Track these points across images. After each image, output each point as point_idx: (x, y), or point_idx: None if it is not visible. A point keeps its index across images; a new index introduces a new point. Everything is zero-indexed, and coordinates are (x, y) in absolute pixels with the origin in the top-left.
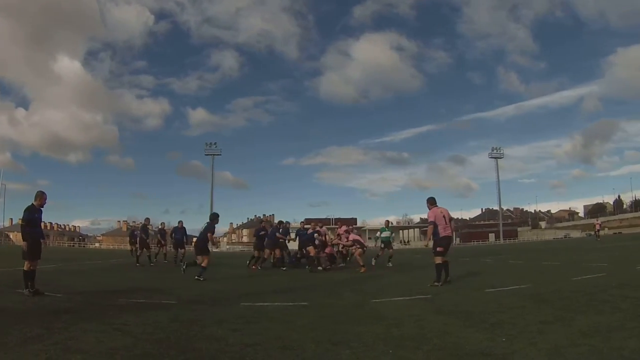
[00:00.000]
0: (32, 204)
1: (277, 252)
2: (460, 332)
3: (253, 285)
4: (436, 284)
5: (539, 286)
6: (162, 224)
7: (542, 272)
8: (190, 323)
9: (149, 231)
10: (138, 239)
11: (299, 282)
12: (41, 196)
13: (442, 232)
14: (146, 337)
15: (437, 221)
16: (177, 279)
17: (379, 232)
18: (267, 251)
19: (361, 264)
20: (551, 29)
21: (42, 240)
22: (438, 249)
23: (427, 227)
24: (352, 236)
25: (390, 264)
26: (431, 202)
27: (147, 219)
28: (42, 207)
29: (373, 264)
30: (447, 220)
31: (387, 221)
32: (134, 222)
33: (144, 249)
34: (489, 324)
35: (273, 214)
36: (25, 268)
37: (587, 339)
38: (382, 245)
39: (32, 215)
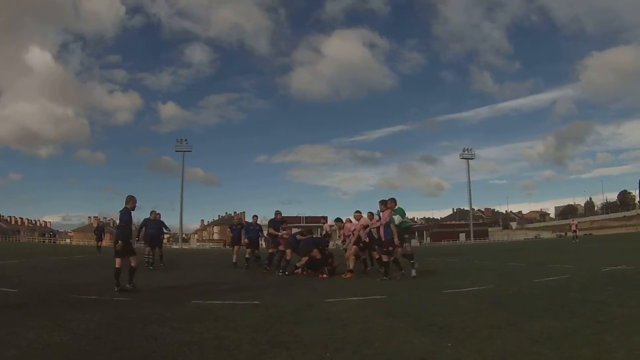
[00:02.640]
0: None
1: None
2: (405, 336)
3: (211, 283)
4: (385, 278)
5: (498, 288)
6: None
7: (506, 273)
8: (134, 321)
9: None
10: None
11: (258, 280)
12: None
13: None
14: (85, 334)
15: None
16: (139, 277)
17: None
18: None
19: (349, 267)
20: (526, 32)
21: None
22: (390, 247)
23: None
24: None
25: (412, 273)
26: (384, 204)
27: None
28: None
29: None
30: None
31: (393, 201)
32: (104, 218)
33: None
34: (437, 327)
35: (244, 211)
36: None
37: (537, 346)
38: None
39: None
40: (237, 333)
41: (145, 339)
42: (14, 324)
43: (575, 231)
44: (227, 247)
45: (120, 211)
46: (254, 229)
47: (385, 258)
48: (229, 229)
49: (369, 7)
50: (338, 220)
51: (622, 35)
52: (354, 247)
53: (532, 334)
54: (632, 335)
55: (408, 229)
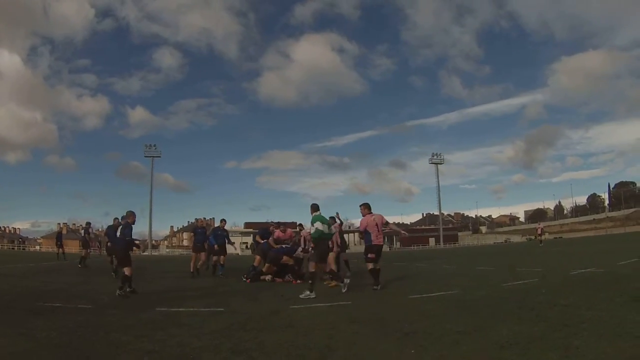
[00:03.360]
0: None
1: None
2: (369, 343)
3: (177, 290)
4: (375, 287)
5: (466, 292)
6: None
7: (473, 278)
8: (97, 328)
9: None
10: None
11: (224, 287)
12: None
13: (374, 240)
14: (48, 342)
15: (368, 229)
16: (105, 284)
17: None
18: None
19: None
20: (496, 37)
21: None
22: (369, 255)
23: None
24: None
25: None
26: (366, 208)
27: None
28: None
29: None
30: (380, 228)
31: (312, 207)
32: (74, 224)
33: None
34: (402, 333)
35: (213, 217)
36: None
37: (503, 351)
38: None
39: None
40: (199, 341)
41: (106, 347)
42: None
43: (540, 235)
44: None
45: (122, 225)
46: (221, 234)
47: (369, 265)
48: (192, 233)
49: (338, 12)
50: None
51: (590, 40)
52: (334, 252)
53: (499, 339)
54: (600, 338)
55: (320, 240)
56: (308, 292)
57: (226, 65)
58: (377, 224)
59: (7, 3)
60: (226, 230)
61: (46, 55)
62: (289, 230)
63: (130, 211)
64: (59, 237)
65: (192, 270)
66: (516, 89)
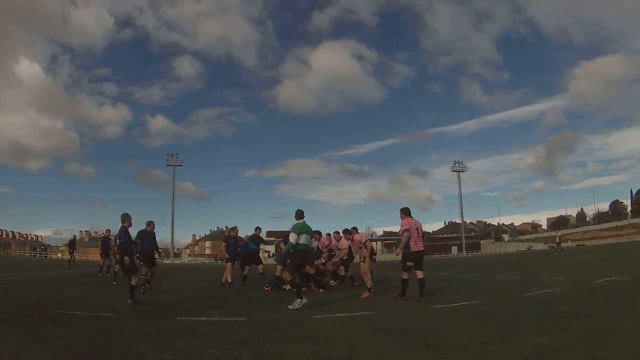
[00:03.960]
0: None
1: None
2: (391, 354)
3: (198, 299)
4: (399, 297)
5: (489, 302)
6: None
7: (496, 287)
8: (116, 337)
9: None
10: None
11: (246, 296)
12: None
13: (413, 247)
14: (66, 350)
15: (410, 232)
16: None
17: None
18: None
19: (368, 285)
20: (515, 43)
21: None
22: (408, 263)
23: (392, 239)
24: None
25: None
26: (405, 212)
27: None
28: None
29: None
30: (420, 233)
31: (297, 214)
32: (96, 232)
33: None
34: (425, 344)
35: (235, 226)
36: None
37: None
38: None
39: None
40: (219, 351)
41: (125, 355)
42: None
43: (559, 243)
44: (219, 261)
45: (119, 230)
46: (258, 243)
47: (404, 275)
48: (224, 243)
49: (357, 19)
50: (347, 231)
51: (608, 45)
52: (369, 260)
53: (522, 349)
54: (626, 349)
55: (299, 252)
56: (299, 300)
57: (245, 73)
58: (417, 229)
59: (28, 13)
60: (261, 238)
61: (66, 64)
62: (324, 238)
63: (124, 214)
64: (71, 244)
65: (223, 281)
66: (535, 94)
